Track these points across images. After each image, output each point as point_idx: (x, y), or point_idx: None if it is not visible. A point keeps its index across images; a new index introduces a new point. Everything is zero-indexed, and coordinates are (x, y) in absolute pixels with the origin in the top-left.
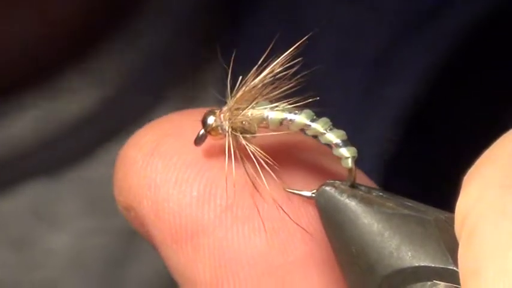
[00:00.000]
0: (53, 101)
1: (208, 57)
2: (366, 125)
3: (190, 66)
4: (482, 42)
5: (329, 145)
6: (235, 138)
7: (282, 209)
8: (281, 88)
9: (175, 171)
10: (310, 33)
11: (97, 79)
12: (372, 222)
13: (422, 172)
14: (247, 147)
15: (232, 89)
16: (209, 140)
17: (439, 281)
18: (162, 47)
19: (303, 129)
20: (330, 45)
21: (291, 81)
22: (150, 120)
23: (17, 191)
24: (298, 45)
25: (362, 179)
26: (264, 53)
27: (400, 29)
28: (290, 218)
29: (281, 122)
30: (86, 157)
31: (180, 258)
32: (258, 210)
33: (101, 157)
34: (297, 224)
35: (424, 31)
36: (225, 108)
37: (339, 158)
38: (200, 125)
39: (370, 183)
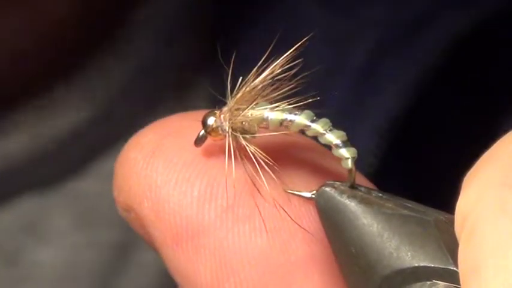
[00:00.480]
0: (43, 116)
1: (199, 67)
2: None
3: (181, 78)
4: (468, 51)
5: (329, 146)
6: (235, 138)
7: (284, 210)
8: (281, 89)
9: (176, 172)
10: (311, 34)
11: (87, 93)
12: (372, 222)
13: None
14: (247, 147)
15: (232, 89)
16: (209, 141)
17: (439, 281)
18: (152, 59)
19: (303, 129)
20: (320, 54)
21: (291, 82)
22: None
23: (8, 206)
24: (298, 46)
25: (362, 181)
26: (264, 54)
27: (388, 39)
28: (291, 218)
29: (281, 122)
30: (77, 172)
31: (181, 259)
32: (258, 210)
33: (92, 171)
34: (298, 225)
35: (412, 42)
36: (225, 109)
37: (339, 159)
38: (200, 125)
39: (370, 185)
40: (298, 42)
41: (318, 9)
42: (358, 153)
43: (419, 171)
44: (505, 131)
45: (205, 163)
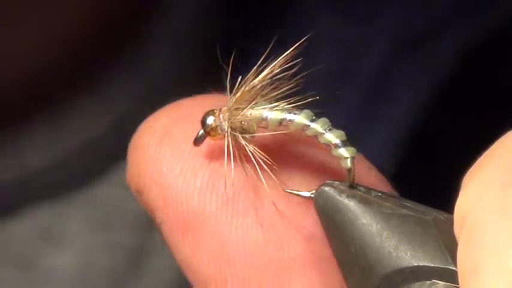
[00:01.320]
0: (59, 125)
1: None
2: (363, 143)
3: (200, 87)
4: (481, 56)
5: (328, 145)
6: (234, 138)
7: (280, 212)
8: (280, 88)
9: (182, 160)
10: (310, 34)
11: (104, 102)
12: (371, 222)
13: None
14: (246, 147)
15: (231, 89)
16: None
17: (438, 280)
18: (171, 69)
19: (302, 129)
20: (332, 62)
21: (291, 82)
22: None
23: (25, 213)
24: (298, 45)
25: (361, 180)
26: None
27: (401, 47)
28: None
29: (280, 122)
30: (93, 179)
31: (186, 249)
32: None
33: (108, 178)
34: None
35: (424, 50)
36: (224, 109)
37: (338, 158)
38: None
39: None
40: (309, 52)
41: (330, 18)
42: (373, 161)
43: (434, 174)
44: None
45: (210, 153)
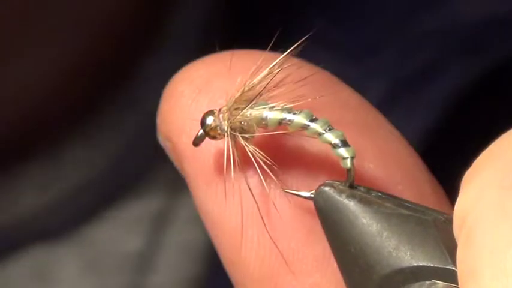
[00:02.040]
0: (52, 168)
1: None
2: None
3: None
4: (478, 96)
5: (328, 145)
6: (234, 138)
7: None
8: (280, 88)
9: None
10: (310, 34)
11: (96, 145)
12: (371, 222)
13: None
14: (246, 147)
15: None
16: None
17: (438, 280)
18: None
19: (301, 129)
20: None
21: (290, 82)
22: (149, 184)
23: (18, 255)
24: (296, 46)
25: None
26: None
27: (398, 87)
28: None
29: (280, 122)
30: (87, 220)
31: (209, 201)
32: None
33: (102, 219)
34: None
35: (421, 89)
36: (224, 108)
37: (338, 159)
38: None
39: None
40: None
41: (326, 56)
42: None
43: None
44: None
45: None
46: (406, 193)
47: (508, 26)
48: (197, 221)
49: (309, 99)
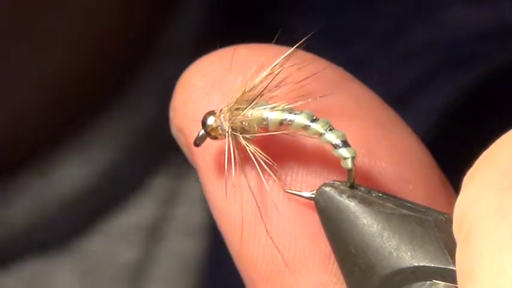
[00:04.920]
0: (45, 181)
1: None
2: None
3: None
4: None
5: (329, 145)
6: (235, 138)
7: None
8: (281, 88)
9: None
10: (311, 33)
11: (89, 157)
12: (372, 222)
13: None
14: (247, 147)
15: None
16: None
17: (439, 281)
18: (154, 120)
19: (303, 129)
20: None
21: (291, 81)
22: (144, 195)
23: (11, 269)
24: (298, 45)
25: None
26: None
27: (388, 100)
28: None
29: (281, 122)
30: (80, 233)
31: (219, 195)
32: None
33: (95, 232)
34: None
35: (410, 103)
36: (225, 109)
37: (339, 159)
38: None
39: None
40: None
41: None
42: None
43: None
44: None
45: None
46: (417, 191)
47: (497, 38)
48: (191, 232)
49: (318, 97)
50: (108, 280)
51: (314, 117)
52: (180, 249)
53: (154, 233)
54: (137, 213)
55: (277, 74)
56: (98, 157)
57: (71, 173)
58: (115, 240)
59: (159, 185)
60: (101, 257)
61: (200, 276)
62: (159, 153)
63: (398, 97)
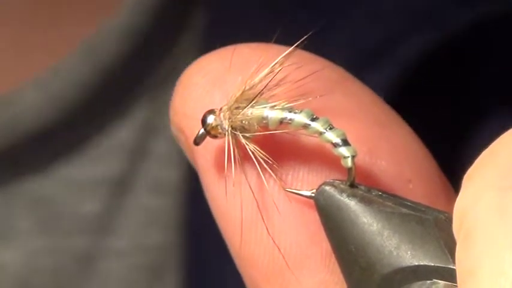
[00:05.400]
0: (8, 113)
1: None
2: None
3: None
4: (443, 66)
5: (329, 144)
6: (234, 137)
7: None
8: (281, 87)
9: None
10: (310, 33)
11: (53, 95)
12: (372, 221)
13: None
14: (246, 146)
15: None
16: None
17: (439, 280)
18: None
19: (302, 128)
20: None
21: (291, 80)
22: (108, 141)
23: None
24: (297, 44)
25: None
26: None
27: (360, 59)
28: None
29: (281, 121)
30: (40, 174)
31: (220, 195)
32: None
33: (55, 175)
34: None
35: (383, 61)
36: (224, 107)
37: (339, 158)
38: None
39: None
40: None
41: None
42: None
43: None
44: (492, 132)
45: None
46: (417, 190)
47: None
48: (158, 189)
49: (318, 96)
50: (68, 229)
51: (314, 116)
52: (146, 204)
53: (119, 188)
54: (102, 166)
55: (277, 73)
56: (64, 99)
57: (33, 111)
58: (78, 190)
59: (127, 130)
60: (62, 204)
61: (168, 233)
62: (129, 97)
63: (371, 52)
